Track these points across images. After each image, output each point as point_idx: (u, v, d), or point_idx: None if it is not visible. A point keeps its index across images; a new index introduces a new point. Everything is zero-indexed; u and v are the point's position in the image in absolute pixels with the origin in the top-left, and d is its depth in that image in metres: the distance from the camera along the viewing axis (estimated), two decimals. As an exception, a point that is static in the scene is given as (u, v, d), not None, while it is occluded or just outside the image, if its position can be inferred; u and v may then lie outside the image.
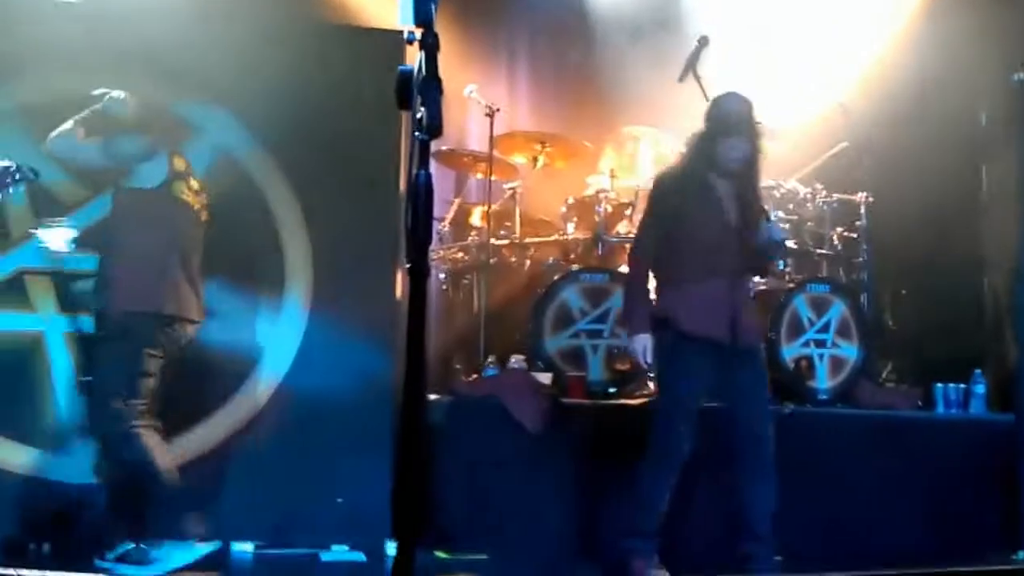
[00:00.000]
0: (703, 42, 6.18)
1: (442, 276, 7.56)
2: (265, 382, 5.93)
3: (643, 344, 5.18)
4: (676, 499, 5.19)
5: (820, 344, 6.58)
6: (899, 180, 7.27)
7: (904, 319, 7.82)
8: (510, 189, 7.31)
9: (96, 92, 5.36)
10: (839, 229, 7.28)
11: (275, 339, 5.97)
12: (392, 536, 5.42)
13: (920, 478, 6.16)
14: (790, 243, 6.78)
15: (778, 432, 5.23)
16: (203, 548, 5.19)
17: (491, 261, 6.94)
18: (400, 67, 2.97)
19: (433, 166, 3.02)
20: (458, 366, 7.05)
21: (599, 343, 6.46)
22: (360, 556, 5.76)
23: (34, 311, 5.72)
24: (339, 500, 5.81)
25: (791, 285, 6.71)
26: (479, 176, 7.64)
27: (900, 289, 7.91)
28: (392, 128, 6.01)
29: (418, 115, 2.89)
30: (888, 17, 7.99)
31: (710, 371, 5.16)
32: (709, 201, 5.22)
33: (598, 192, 7.11)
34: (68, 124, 5.29)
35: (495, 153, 7.17)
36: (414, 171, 2.89)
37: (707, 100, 5.43)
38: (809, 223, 7.15)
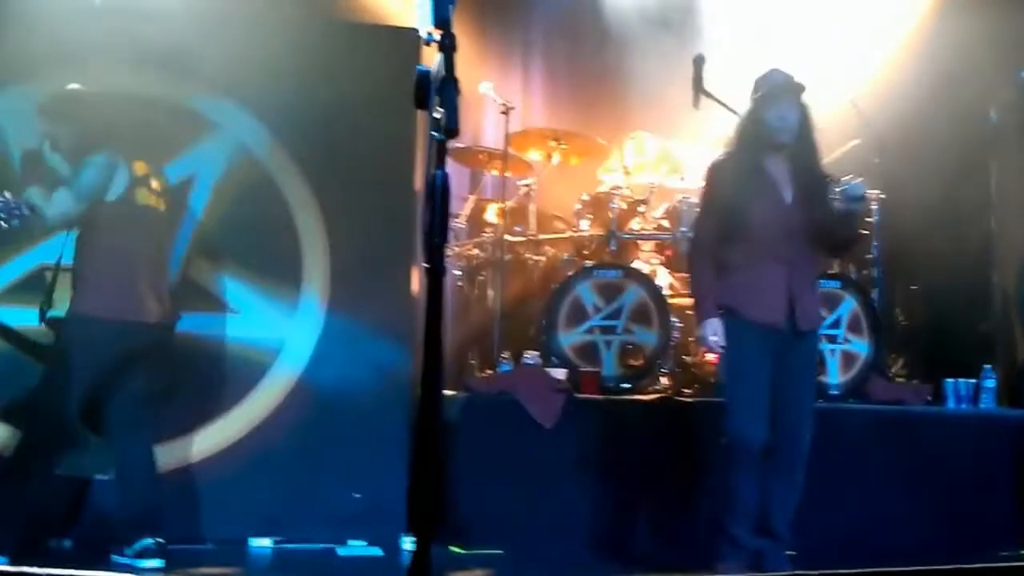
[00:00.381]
0: (699, 61, 6.23)
1: (457, 272, 7.56)
2: (283, 378, 5.94)
3: (712, 329, 5.03)
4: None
5: (832, 340, 6.59)
6: (910, 177, 7.27)
7: (915, 315, 7.85)
8: (525, 186, 7.35)
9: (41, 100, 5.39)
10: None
11: (293, 336, 5.99)
12: (408, 531, 5.51)
13: (930, 472, 6.18)
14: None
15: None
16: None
17: (506, 257, 6.96)
18: (418, 67, 2.95)
19: (448, 163, 2.98)
20: (473, 362, 7.10)
21: (612, 339, 6.49)
22: (377, 551, 5.79)
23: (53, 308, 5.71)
24: (356, 495, 5.83)
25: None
26: (494, 173, 7.64)
27: (911, 285, 7.93)
28: (409, 126, 6.03)
29: (436, 115, 2.88)
30: (900, 16, 8.00)
31: (771, 357, 5.03)
32: (762, 185, 5.08)
33: (612, 189, 7.16)
34: (32, 191, 5.23)
35: (510, 150, 7.21)
36: (431, 171, 2.86)
37: (731, 112, 5.41)
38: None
